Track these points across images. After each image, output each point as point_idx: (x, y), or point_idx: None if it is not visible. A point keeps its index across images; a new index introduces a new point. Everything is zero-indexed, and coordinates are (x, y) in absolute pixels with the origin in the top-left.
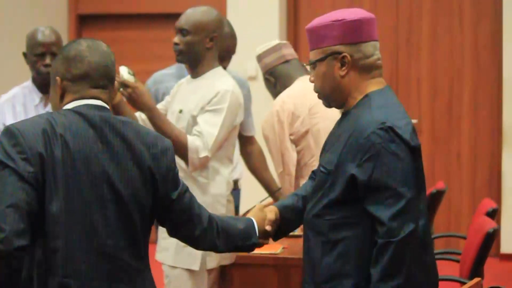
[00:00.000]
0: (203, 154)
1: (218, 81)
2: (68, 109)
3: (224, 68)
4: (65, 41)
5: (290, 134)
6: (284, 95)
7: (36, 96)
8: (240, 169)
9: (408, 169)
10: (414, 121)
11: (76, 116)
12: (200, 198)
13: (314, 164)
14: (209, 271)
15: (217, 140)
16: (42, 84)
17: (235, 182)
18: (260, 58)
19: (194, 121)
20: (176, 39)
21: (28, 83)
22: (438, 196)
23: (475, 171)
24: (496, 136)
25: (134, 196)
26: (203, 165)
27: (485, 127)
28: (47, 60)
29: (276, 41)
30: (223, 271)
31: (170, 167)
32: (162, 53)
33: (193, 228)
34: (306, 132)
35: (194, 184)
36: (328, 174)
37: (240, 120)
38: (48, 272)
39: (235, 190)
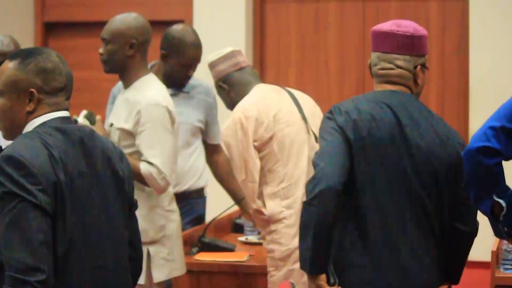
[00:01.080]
0: (159, 178)
1: (142, 94)
2: (50, 127)
3: (189, 76)
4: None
5: (254, 141)
6: (246, 102)
7: None
8: (206, 177)
9: None
10: None
11: (59, 134)
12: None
13: (279, 169)
14: (158, 284)
15: (165, 158)
16: None
17: (201, 190)
18: (212, 65)
19: (123, 134)
20: (100, 49)
21: None
22: None
23: None
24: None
25: (123, 209)
26: (167, 186)
27: None
28: None
29: (229, 49)
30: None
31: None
32: None
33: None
34: (271, 138)
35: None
36: None
37: (176, 126)
38: None
39: (201, 198)
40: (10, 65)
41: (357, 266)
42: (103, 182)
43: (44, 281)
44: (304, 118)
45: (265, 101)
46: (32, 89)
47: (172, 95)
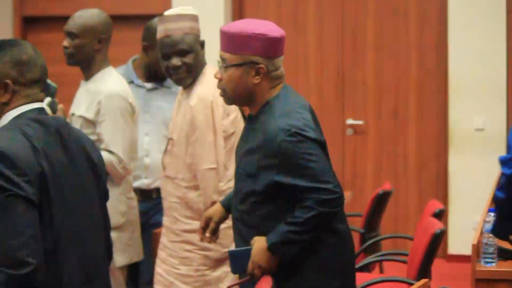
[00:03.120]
0: (119, 167)
1: (102, 85)
2: (28, 118)
3: None
4: None
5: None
6: (212, 87)
7: None
8: None
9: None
10: (359, 122)
11: (37, 124)
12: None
13: (230, 168)
14: (121, 268)
15: (125, 146)
16: None
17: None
18: (192, 18)
19: (84, 123)
20: (65, 42)
21: None
22: (384, 197)
23: (422, 172)
24: (443, 137)
25: (100, 197)
26: (127, 174)
27: (431, 129)
28: None
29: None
30: None
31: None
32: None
33: None
34: (233, 133)
35: None
36: (249, 176)
37: (136, 116)
38: None
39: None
40: None
41: None
42: (82, 171)
43: (33, 274)
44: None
45: None
46: (7, 80)
47: (153, 89)
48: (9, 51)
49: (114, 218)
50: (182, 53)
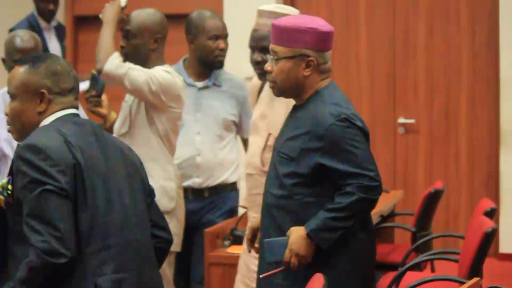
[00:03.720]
0: (119, 67)
1: None
2: (63, 121)
3: (222, 50)
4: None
5: None
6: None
7: None
8: (239, 171)
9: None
10: (411, 121)
11: (72, 124)
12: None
13: None
14: (168, 264)
15: (128, 72)
16: None
17: (234, 184)
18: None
19: (133, 109)
20: (122, 42)
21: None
22: (436, 196)
23: (473, 170)
24: (494, 135)
25: (143, 192)
26: (114, 73)
27: (483, 127)
28: None
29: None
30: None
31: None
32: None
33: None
34: None
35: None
36: (292, 160)
37: (176, 107)
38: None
39: (234, 191)
40: (20, 69)
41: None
42: (121, 168)
43: (67, 263)
44: None
45: None
46: (43, 90)
47: (204, 88)
48: (44, 63)
49: (164, 201)
50: (265, 50)
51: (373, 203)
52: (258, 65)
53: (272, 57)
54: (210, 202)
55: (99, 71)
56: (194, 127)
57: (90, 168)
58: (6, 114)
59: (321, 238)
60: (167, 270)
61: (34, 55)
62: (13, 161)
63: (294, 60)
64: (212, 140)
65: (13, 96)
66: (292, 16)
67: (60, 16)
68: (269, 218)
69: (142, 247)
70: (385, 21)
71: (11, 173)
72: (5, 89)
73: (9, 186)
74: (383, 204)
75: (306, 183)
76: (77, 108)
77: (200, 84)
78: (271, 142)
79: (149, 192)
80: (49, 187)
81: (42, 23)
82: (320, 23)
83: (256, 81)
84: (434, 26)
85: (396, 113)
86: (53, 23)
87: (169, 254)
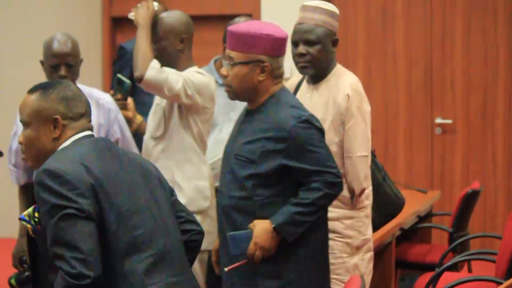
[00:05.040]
0: (159, 74)
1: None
2: (78, 143)
3: None
4: (99, 43)
5: None
6: (354, 76)
7: None
8: None
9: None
10: (448, 121)
11: (85, 144)
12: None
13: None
14: (200, 263)
15: (168, 78)
16: None
17: None
18: (331, 14)
19: (167, 112)
20: None
21: None
22: (473, 196)
23: (510, 170)
24: None
25: (166, 195)
26: (155, 80)
27: None
28: (62, 72)
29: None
30: None
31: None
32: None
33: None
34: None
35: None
36: (252, 162)
37: (210, 107)
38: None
39: None
40: (32, 97)
41: None
42: (140, 177)
43: (92, 284)
44: None
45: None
46: (56, 116)
47: None
48: (55, 89)
49: (199, 201)
50: (309, 43)
51: (333, 198)
52: (302, 58)
53: (228, 62)
54: None
55: (139, 79)
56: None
57: (111, 184)
58: (20, 143)
59: (287, 232)
60: (198, 269)
61: (46, 82)
62: (34, 188)
63: (249, 65)
64: None
65: (26, 124)
66: (248, 22)
67: (97, 17)
68: (228, 220)
69: (178, 250)
70: (422, 20)
71: (35, 201)
72: None
73: (36, 214)
74: (420, 205)
75: (267, 184)
76: (91, 130)
77: None
78: None
79: (170, 191)
80: (69, 211)
81: None
82: (275, 30)
83: (293, 80)
84: (471, 25)
85: (433, 113)
86: None
87: (202, 253)
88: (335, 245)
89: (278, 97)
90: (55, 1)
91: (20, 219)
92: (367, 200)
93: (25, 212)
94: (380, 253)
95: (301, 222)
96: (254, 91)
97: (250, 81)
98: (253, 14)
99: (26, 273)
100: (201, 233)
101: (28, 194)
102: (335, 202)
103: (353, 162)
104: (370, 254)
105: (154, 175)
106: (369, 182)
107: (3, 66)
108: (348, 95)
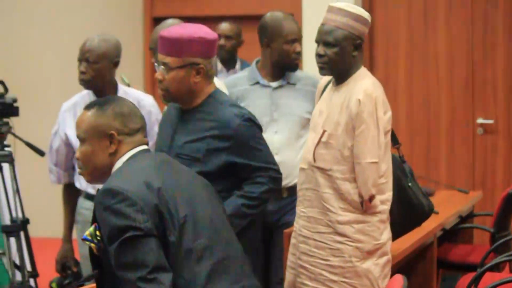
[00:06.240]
0: None
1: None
2: (136, 159)
3: (298, 53)
4: (140, 44)
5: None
6: (370, 81)
7: None
8: None
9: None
10: (490, 121)
11: (144, 158)
12: None
13: (383, 163)
14: None
15: None
16: (96, 91)
17: None
18: (357, 18)
19: None
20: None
21: (89, 91)
22: None
23: None
24: None
25: (223, 209)
26: None
27: None
28: (81, 67)
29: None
30: None
31: None
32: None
33: None
34: (388, 131)
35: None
36: (196, 160)
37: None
38: None
39: None
40: (88, 113)
41: None
42: (199, 187)
43: None
44: None
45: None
46: (112, 132)
47: (279, 87)
48: (110, 105)
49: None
50: (327, 44)
51: (275, 193)
52: (320, 58)
53: (162, 67)
54: (289, 203)
55: None
56: (272, 126)
57: (171, 196)
58: (77, 158)
59: (232, 223)
60: None
61: (102, 99)
62: (95, 207)
63: (185, 69)
64: (290, 139)
65: (82, 140)
66: (177, 26)
67: (139, 17)
68: None
69: (238, 259)
70: (463, 20)
71: (95, 220)
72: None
73: (97, 233)
74: (462, 205)
75: (212, 181)
76: (147, 144)
77: (274, 84)
78: (325, 138)
79: (223, 210)
80: (130, 234)
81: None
82: (205, 31)
83: (324, 80)
84: None
85: (475, 113)
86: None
87: None
88: (345, 248)
89: (215, 96)
90: (97, 1)
91: (83, 239)
92: (384, 205)
93: (87, 232)
94: (422, 253)
95: (246, 215)
96: (192, 93)
97: (187, 83)
98: (294, 13)
99: (68, 279)
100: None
101: (71, 194)
102: (345, 206)
103: (362, 168)
104: (386, 258)
105: (210, 186)
106: (385, 187)
107: (45, 67)
108: (359, 100)
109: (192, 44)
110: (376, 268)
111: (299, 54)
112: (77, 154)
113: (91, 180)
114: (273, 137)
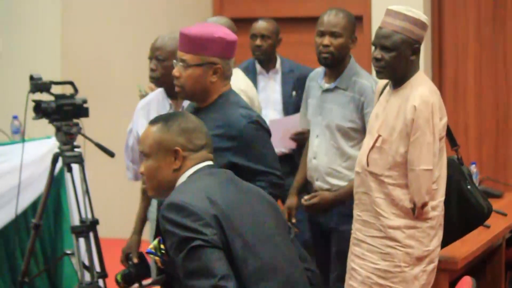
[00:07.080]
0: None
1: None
2: (199, 174)
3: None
4: None
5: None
6: (427, 87)
7: (167, 102)
8: None
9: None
10: None
11: (208, 176)
12: None
13: (436, 169)
14: None
15: None
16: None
17: None
18: (414, 22)
19: None
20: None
21: (162, 88)
22: None
23: None
24: None
25: (284, 224)
26: None
27: None
28: (151, 65)
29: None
30: None
31: None
32: (308, 57)
33: None
34: (443, 137)
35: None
36: None
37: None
38: None
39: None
40: (153, 128)
41: None
42: (263, 209)
43: None
44: None
45: (439, 95)
46: (177, 148)
47: (327, 90)
48: (176, 121)
49: None
50: (384, 48)
51: (275, 199)
52: (377, 62)
53: (180, 63)
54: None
55: None
56: (315, 129)
57: (235, 214)
58: (141, 173)
59: None
60: None
61: (167, 114)
62: (159, 221)
63: (203, 67)
64: (327, 144)
65: (147, 155)
66: (199, 25)
67: (208, 18)
68: None
69: (301, 279)
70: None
71: (158, 233)
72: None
73: (162, 246)
74: None
75: None
76: (212, 160)
77: (326, 85)
78: (379, 143)
79: (289, 229)
80: (196, 243)
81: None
82: (226, 32)
83: (381, 83)
84: None
85: None
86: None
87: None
88: (395, 253)
89: (227, 97)
90: (167, 2)
91: (148, 253)
92: (435, 211)
93: (151, 245)
94: (490, 255)
95: None
96: (207, 91)
97: (203, 82)
98: (364, 15)
99: (128, 270)
100: (317, 275)
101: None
102: (396, 211)
103: (416, 175)
104: (433, 265)
105: (274, 205)
106: (436, 193)
107: (113, 66)
108: (414, 106)
109: (211, 44)
110: (423, 276)
111: (326, 47)
112: (142, 169)
113: (154, 194)
114: (314, 140)
